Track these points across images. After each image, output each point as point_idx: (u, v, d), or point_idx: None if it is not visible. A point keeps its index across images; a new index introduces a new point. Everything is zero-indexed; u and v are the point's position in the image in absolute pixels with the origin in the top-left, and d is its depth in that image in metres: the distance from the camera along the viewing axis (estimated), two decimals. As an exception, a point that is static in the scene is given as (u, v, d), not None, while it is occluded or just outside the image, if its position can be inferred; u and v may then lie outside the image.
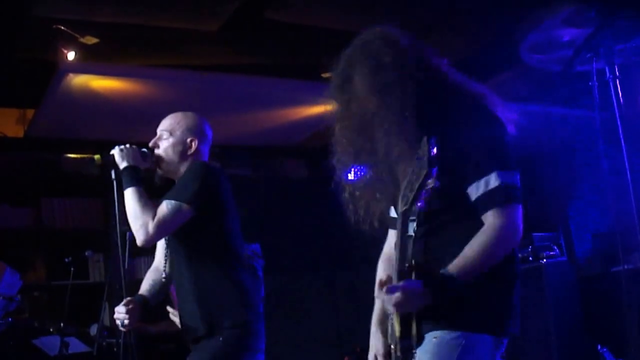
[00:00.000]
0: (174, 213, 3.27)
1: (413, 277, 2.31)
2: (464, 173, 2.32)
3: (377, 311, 2.64)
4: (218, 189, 3.42)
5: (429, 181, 2.00)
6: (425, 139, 1.97)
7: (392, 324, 2.41)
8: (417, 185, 2.01)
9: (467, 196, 2.34)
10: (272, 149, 7.96)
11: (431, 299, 2.18)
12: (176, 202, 3.28)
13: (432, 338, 2.34)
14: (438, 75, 2.49)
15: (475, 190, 2.32)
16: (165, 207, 3.28)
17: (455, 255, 2.31)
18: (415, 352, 2.35)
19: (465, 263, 2.24)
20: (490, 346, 2.35)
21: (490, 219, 2.29)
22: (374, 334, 2.62)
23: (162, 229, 3.29)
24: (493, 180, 2.29)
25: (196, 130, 3.55)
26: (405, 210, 2.10)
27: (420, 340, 2.35)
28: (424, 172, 1.97)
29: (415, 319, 2.33)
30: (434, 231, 2.38)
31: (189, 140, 3.51)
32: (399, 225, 2.27)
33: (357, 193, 2.62)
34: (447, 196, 2.33)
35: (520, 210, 2.32)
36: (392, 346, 2.43)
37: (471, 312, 2.35)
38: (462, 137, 2.32)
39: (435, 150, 1.97)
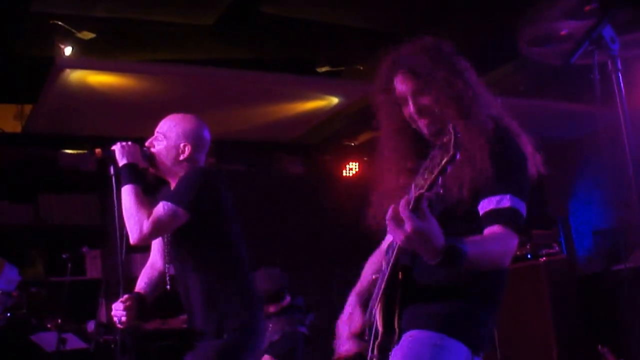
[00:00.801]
0: (170, 215, 3.28)
1: (400, 277, 2.34)
2: (479, 189, 2.34)
3: (360, 288, 2.67)
4: (217, 193, 3.43)
5: (449, 168, 1.95)
6: (450, 125, 1.94)
7: (374, 317, 2.42)
8: (437, 170, 1.95)
9: (475, 213, 2.36)
10: (268, 144, 7.96)
11: (438, 254, 2.08)
12: (173, 204, 3.29)
13: (407, 337, 2.36)
14: (487, 100, 2.53)
15: (485, 205, 2.34)
16: (161, 208, 3.29)
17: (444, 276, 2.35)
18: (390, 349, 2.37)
19: (476, 248, 2.21)
20: (464, 356, 2.36)
21: (497, 230, 2.31)
22: (353, 305, 2.63)
23: (156, 230, 3.31)
24: (505, 201, 2.32)
25: (191, 136, 3.53)
26: (419, 196, 2.00)
27: (399, 339, 2.37)
28: (448, 155, 1.92)
29: (398, 313, 2.35)
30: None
31: (182, 145, 3.50)
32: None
33: (384, 197, 2.58)
34: (460, 209, 2.34)
35: (516, 241, 2.33)
36: (367, 338, 2.44)
37: (451, 318, 2.37)
38: (489, 156, 2.33)
39: (460, 137, 1.93)
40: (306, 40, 5.70)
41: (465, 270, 2.20)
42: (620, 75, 2.36)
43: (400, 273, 2.36)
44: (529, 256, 6.97)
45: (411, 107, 2.49)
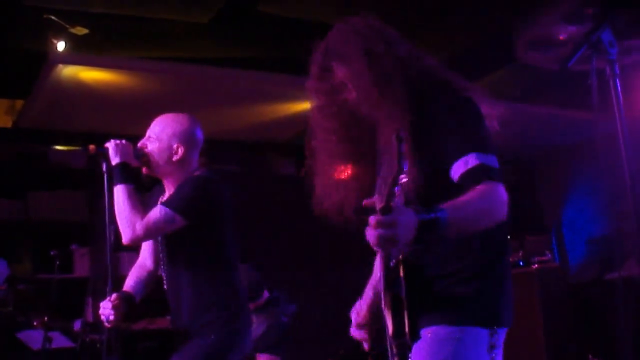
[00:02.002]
0: (165, 220, 3.29)
1: (401, 272, 2.29)
2: (443, 159, 2.29)
3: (374, 280, 2.61)
4: (217, 202, 3.44)
5: (402, 177, 1.94)
6: (394, 135, 1.91)
7: (385, 316, 2.37)
8: (390, 181, 1.95)
9: (449, 183, 2.29)
10: (260, 144, 7.94)
11: (417, 232, 2.04)
12: (170, 210, 3.29)
13: (427, 334, 2.32)
14: (424, 67, 2.46)
15: (455, 172, 2.26)
16: (158, 212, 3.29)
17: (447, 250, 2.32)
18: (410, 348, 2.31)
19: (457, 206, 2.14)
20: (486, 339, 2.32)
21: (476, 187, 2.22)
22: (363, 297, 2.60)
23: (149, 232, 3.31)
24: (472, 160, 2.24)
25: (184, 136, 3.51)
26: (383, 207, 2.00)
27: (415, 337, 2.31)
28: (393, 172, 1.91)
29: (407, 315, 2.29)
30: None
31: (175, 146, 3.48)
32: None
33: (332, 188, 2.58)
34: (431, 185, 2.28)
35: (503, 188, 2.25)
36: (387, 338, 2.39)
37: (465, 307, 2.33)
38: (441, 125, 2.29)
39: (404, 145, 1.91)
40: (302, 40, 5.67)
41: (457, 235, 2.17)
42: (618, 80, 2.33)
43: (401, 268, 2.30)
44: (521, 263, 6.95)
45: (352, 93, 2.44)
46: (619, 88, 2.35)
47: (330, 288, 7.61)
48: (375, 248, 2.08)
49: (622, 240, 7.21)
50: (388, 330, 2.35)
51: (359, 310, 2.57)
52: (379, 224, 1.97)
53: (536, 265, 6.84)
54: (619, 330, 6.40)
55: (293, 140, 7.87)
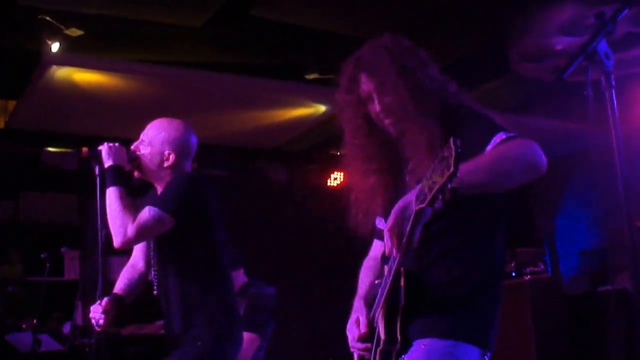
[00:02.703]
0: (155, 221, 3.27)
1: (402, 283, 2.32)
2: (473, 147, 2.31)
3: (363, 292, 2.65)
4: (203, 201, 3.43)
5: (450, 185, 1.94)
6: (451, 139, 1.91)
7: (377, 323, 2.41)
8: (438, 187, 1.94)
9: (465, 201, 2.27)
10: (252, 150, 7.93)
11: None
12: (159, 210, 3.27)
13: (421, 345, 2.34)
14: (451, 89, 2.55)
15: (483, 151, 2.30)
16: (147, 213, 3.27)
17: (449, 265, 2.37)
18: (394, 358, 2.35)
19: (473, 162, 2.18)
20: (476, 358, 2.36)
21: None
22: (359, 310, 2.61)
23: (141, 234, 3.29)
24: (500, 135, 2.30)
25: (176, 143, 3.50)
26: (420, 210, 2.05)
27: (406, 346, 2.35)
28: (449, 172, 1.90)
29: (400, 322, 2.33)
30: (432, 237, 2.37)
31: (166, 152, 3.48)
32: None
33: (360, 198, 2.63)
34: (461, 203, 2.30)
35: (534, 144, 2.30)
36: (372, 347, 2.42)
37: (461, 322, 2.36)
38: (469, 143, 2.25)
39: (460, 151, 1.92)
40: (296, 47, 5.67)
41: (481, 184, 2.20)
42: (613, 92, 2.32)
43: (402, 279, 2.34)
44: (513, 274, 6.94)
45: (376, 105, 2.50)
46: (614, 100, 2.34)
47: (320, 296, 7.61)
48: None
49: (614, 253, 7.22)
50: (379, 337, 2.38)
51: (358, 323, 2.56)
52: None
53: (529, 277, 6.84)
54: (610, 342, 6.39)
55: (285, 147, 7.86)
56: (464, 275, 2.38)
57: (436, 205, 2.00)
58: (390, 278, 2.33)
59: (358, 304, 2.60)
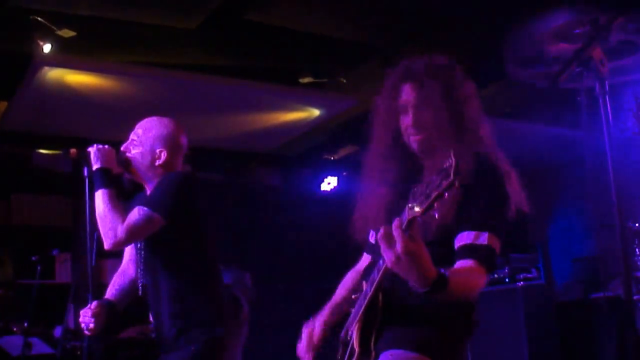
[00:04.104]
0: (145, 221, 3.23)
1: (380, 299, 2.37)
2: (462, 218, 2.35)
3: (332, 304, 2.73)
4: (193, 200, 3.38)
5: (447, 194, 1.93)
6: (452, 152, 1.92)
7: (351, 335, 2.44)
8: (435, 194, 1.94)
9: (449, 239, 2.38)
10: (245, 154, 7.91)
11: (429, 282, 2.11)
12: (149, 210, 3.23)
13: (388, 355, 2.36)
14: (483, 131, 2.55)
15: (463, 238, 2.35)
16: (137, 213, 3.24)
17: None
18: None
19: (457, 279, 2.23)
20: None
21: (470, 264, 2.33)
22: (320, 318, 2.71)
23: (131, 235, 3.25)
24: (483, 238, 2.34)
25: (167, 141, 3.46)
26: (413, 218, 2.02)
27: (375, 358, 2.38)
28: (448, 181, 1.90)
29: (375, 335, 2.37)
30: None
31: (158, 150, 3.44)
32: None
33: (366, 205, 2.63)
34: (445, 232, 2.34)
35: (486, 279, 2.36)
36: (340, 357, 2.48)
37: (429, 341, 2.38)
38: (477, 190, 2.34)
39: (460, 167, 1.92)
40: (290, 50, 5.66)
41: (441, 296, 2.19)
42: (607, 99, 2.31)
43: (380, 295, 2.37)
44: (506, 280, 6.93)
45: (410, 118, 2.49)
46: (608, 106, 2.33)
47: (313, 299, 7.59)
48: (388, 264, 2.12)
49: (607, 260, 7.22)
50: (353, 349, 2.42)
51: (312, 330, 2.65)
52: (403, 240, 2.03)
53: (522, 283, 6.83)
54: (602, 349, 6.39)
55: (279, 151, 7.85)
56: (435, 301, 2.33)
57: (430, 213, 1.98)
58: (371, 292, 2.35)
59: (324, 311, 2.70)
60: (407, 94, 2.50)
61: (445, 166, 1.93)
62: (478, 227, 2.34)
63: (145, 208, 3.24)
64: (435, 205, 1.95)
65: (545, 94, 5.96)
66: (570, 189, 8.16)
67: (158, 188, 3.34)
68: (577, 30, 4.21)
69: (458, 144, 2.36)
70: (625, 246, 2.33)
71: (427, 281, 2.09)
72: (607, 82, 2.30)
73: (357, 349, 2.39)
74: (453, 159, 1.90)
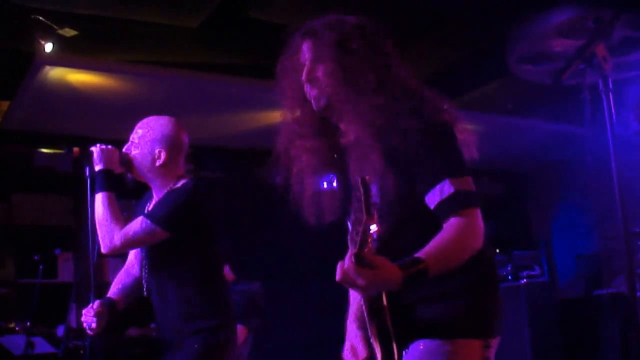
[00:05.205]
0: (146, 233, 3.24)
1: (384, 301, 2.25)
2: (416, 183, 2.25)
3: (355, 314, 2.54)
4: (200, 213, 3.36)
5: (372, 226, 1.91)
6: (359, 179, 1.89)
7: (371, 343, 2.31)
8: (361, 237, 1.93)
9: (421, 199, 2.26)
10: (247, 152, 7.89)
11: (400, 285, 2.03)
12: (151, 223, 3.23)
13: (418, 346, 2.27)
14: (402, 81, 2.38)
15: (431, 199, 2.23)
16: (139, 224, 3.24)
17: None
18: None
19: (438, 254, 2.13)
20: (478, 350, 2.29)
21: (452, 221, 2.20)
22: (353, 334, 2.52)
23: (127, 244, 3.27)
24: (446, 187, 2.20)
25: (166, 140, 3.43)
26: (357, 254, 1.97)
27: (402, 352, 2.26)
28: (364, 218, 1.90)
29: (396, 344, 2.24)
30: (391, 236, 2.28)
31: (157, 150, 3.40)
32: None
33: (321, 199, 2.52)
34: (404, 202, 2.27)
35: (479, 215, 2.22)
36: None
37: (457, 322, 2.28)
38: (414, 147, 2.23)
39: (371, 191, 1.89)
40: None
41: (438, 276, 2.12)
42: (611, 95, 2.30)
43: (384, 297, 2.25)
44: (509, 277, 6.94)
45: (304, 74, 2.36)
46: (611, 103, 2.32)
47: (316, 298, 7.59)
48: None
49: (610, 257, 7.22)
50: (376, 356, 2.29)
51: (354, 350, 2.49)
52: (360, 275, 1.96)
53: (525, 280, 6.83)
54: (605, 346, 6.38)
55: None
56: (453, 277, 2.24)
57: (368, 246, 1.96)
58: (366, 302, 2.27)
59: (350, 328, 2.53)
60: (305, 52, 2.38)
61: (358, 195, 1.90)
62: (435, 178, 2.21)
63: (148, 220, 3.23)
64: (369, 239, 1.94)
65: (548, 90, 5.95)
66: (574, 185, 8.15)
67: (165, 200, 3.33)
68: (580, 27, 4.20)
69: (357, 98, 2.26)
70: (628, 243, 2.33)
71: (398, 285, 2.02)
72: (610, 78, 2.30)
73: (379, 357, 2.28)
74: (362, 189, 1.87)
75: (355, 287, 2.00)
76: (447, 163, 2.23)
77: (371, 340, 2.33)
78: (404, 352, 2.26)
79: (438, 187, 2.20)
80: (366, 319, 2.30)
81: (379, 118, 2.25)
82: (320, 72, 2.34)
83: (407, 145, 2.23)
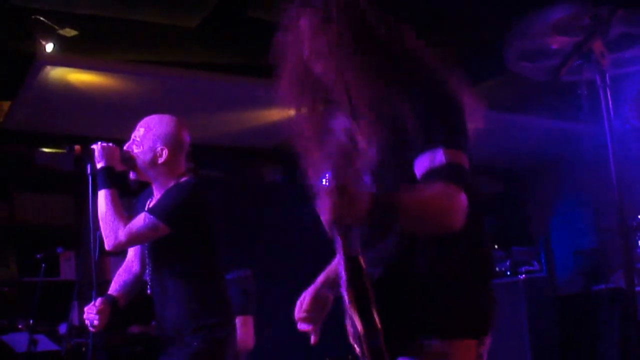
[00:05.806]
0: (149, 228, 3.26)
1: (362, 263, 2.11)
2: (408, 144, 2.12)
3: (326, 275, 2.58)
4: (201, 209, 3.39)
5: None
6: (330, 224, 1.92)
7: (351, 319, 2.15)
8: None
9: (411, 173, 2.15)
10: (248, 150, 7.90)
11: (370, 207, 1.93)
12: (154, 218, 3.25)
13: (414, 346, 2.21)
14: (404, 43, 2.34)
15: (420, 165, 2.11)
16: (142, 220, 3.26)
17: (424, 256, 2.19)
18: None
19: (412, 196, 2.03)
20: (473, 349, 2.25)
21: (437, 187, 2.06)
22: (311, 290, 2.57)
23: (133, 239, 3.29)
24: (439, 156, 2.06)
25: (168, 138, 3.45)
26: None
27: (404, 347, 2.21)
28: (343, 263, 1.94)
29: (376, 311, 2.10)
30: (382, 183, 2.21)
31: (159, 148, 3.42)
32: None
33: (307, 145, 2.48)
34: (402, 168, 2.16)
35: (464, 197, 2.07)
36: (356, 346, 2.19)
37: (454, 318, 2.22)
38: (411, 106, 2.12)
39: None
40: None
41: (403, 228, 2.07)
42: (608, 91, 2.32)
43: (361, 259, 2.07)
44: (508, 273, 6.95)
45: (307, 48, 2.28)
46: (609, 99, 2.34)
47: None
48: (328, 224, 1.96)
49: (608, 253, 7.24)
50: (358, 330, 2.11)
51: (301, 302, 2.53)
52: (331, 193, 1.88)
53: (523, 276, 6.84)
54: (604, 341, 6.40)
55: (281, 147, 7.84)
56: (450, 266, 2.19)
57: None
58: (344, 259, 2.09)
59: (317, 280, 2.57)
60: (305, 21, 2.28)
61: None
62: (429, 144, 2.07)
63: (151, 216, 3.25)
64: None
65: (545, 87, 5.96)
66: (572, 181, 8.16)
67: (167, 196, 3.35)
68: (578, 23, 4.21)
69: (364, 67, 2.18)
70: (626, 238, 2.34)
71: (369, 201, 1.93)
72: (607, 74, 2.32)
73: (360, 326, 2.09)
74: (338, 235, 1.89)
75: (330, 210, 1.91)
76: (445, 130, 2.10)
77: (348, 309, 2.15)
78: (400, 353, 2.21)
79: (430, 153, 2.08)
80: (344, 285, 2.11)
81: (384, 86, 2.17)
82: (322, 43, 2.24)
83: (407, 103, 2.13)
